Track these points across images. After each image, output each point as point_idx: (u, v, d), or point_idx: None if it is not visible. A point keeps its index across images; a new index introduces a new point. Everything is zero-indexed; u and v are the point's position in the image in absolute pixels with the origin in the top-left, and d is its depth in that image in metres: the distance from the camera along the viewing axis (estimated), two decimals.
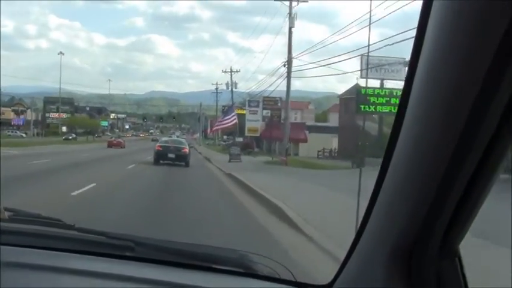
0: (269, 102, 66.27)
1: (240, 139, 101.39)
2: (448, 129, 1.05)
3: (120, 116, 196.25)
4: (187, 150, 31.24)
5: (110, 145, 63.39)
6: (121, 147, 62.41)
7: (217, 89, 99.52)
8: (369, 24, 19.90)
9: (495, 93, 0.97)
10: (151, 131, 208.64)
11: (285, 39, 40.78)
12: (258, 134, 74.31)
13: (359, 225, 1.44)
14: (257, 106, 73.62)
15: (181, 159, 29.93)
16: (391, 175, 1.24)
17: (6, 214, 1.81)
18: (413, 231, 1.20)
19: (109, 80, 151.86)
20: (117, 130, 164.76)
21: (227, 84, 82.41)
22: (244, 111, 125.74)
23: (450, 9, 1.01)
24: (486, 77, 0.96)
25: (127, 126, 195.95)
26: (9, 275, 1.52)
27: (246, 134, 74.45)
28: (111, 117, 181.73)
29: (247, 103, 73.85)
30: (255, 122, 73.30)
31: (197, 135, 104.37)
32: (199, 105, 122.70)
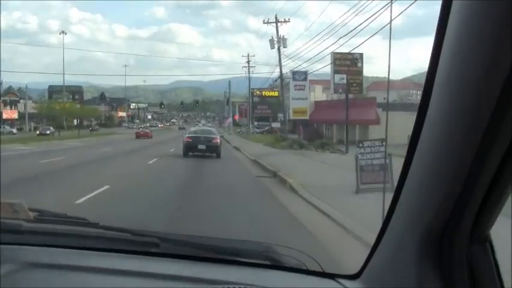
0: (344, 60, 44.23)
1: (277, 124, 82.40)
2: (476, 115, 1.01)
3: (141, 106, 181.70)
4: (218, 140, 28.28)
5: (138, 136, 63.33)
6: (149, 138, 61.86)
7: (248, 63, 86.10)
8: None
9: None
10: (172, 120, 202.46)
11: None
12: (306, 117, 54.57)
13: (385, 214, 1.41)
14: (304, 79, 53.96)
15: (213, 150, 27.24)
16: (418, 161, 1.20)
17: (32, 214, 1.77)
18: (442, 217, 1.17)
19: (125, 66, 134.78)
20: (137, 121, 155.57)
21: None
22: (276, 93, 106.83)
23: (470, 9, 0.99)
24: (510, 75, 0.94)
25: (149, 117, 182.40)
26: (37, 275, 1.52)
27: (291, 116, 54.98)
28: (131, 107, 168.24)
29: (291, 77, 53.87)
30: (302, 101, 53.55)
31: (229, 121, 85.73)
32: (225, 92, 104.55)
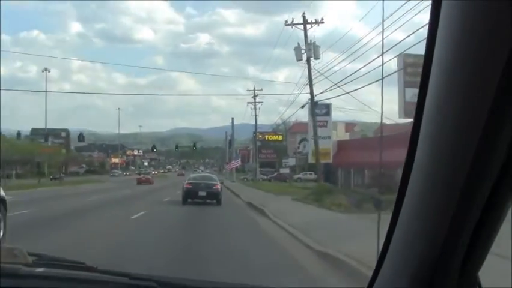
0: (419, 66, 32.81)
1: (286, 170, 70.47)
2: (461, 154, 1.01)
3: (136, 153, 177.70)
4: (219, 186, 27.47)
5: (140, 182, 63.87)
6: (150, 183, 62.39)
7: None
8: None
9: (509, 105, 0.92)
10: (168, 167, 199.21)
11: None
12: (329, 160, 43.32)
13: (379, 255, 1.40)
14: (327, 114, 43.04)
15: (213, 197, 26.47)
16: (407, 206, 1.21)
17: (30, 259, 1.78)
18: (431, 261, 1.17)
19: (118, 109, 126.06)
20: (132, 167, 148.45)
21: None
22: (280, 137, 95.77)
23: (460, 10, 0.97)
24: (501, 81, 0.91)
25: (145, 163, 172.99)
26: None
27: (311, 160, 43.74)
28: (127, 153, 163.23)
29: (309, 110, 42.83)
30: (323, 141, 42.39)
31: (234, 164, 72.16)
32: (226, 133, 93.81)
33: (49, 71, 78.50)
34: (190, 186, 26.99)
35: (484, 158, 0.98)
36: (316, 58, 37.45)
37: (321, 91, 37.38)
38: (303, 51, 37.59)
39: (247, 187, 47.34)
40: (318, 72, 36.98)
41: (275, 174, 76.96)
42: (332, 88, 34.81)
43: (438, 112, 1.05)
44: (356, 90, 33.96)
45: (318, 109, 42.53)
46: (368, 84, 31.92)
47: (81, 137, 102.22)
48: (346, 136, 56.10)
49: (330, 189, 28.35)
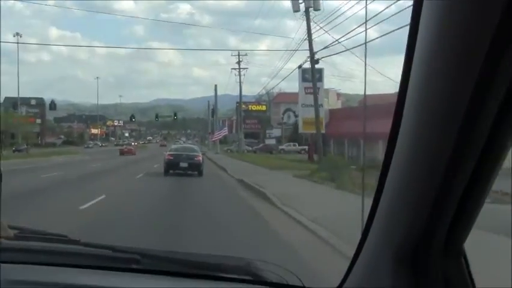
0: None
1: (272, 141, 67.30)
2: (446, 128, 1.02)
3: (117, 123, 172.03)
4: (200, 158, 26.72)
5: (122, 153, 64.66)
6: (132, 154, 63.01)
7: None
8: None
9: (491, 88, 0.94)
10: (149, 137, 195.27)
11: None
12: (322, 130, 39.98)
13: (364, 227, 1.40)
14: (319, 79, 39.52)
15: (194, 168, 25.92)
16: (392, 176, 1.21)
17: (12, 232, 1.76)
18: (416, 231, 1.18)
19: (97, 78, 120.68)
20: (112, 138, 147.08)
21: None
22: (264, 107, 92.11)
23: (441, 7, 0.98)
24: (481, 73, 0.93)
25: (126, 134, 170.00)
26: None
27: (302, 130, 40.49)
28: (107, 124, 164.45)
29: (299, 75, 39.29)
30: (313, 109, 39.02)
31: (219, 135, 66.04)
32: (208, 102, 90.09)
33: (20, 36, 73.74)
34: (172, 158, 26.35)
35: (471, 126, 0.97)
36: (316, 9, 33.43)
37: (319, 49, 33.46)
38: (300, 0, 33.60)
39: (234, 159, 43.55)
40: (318, 26, 33.15)
41: (260, 145, 73.71)
42: (333, 44, 31.10)
43: (423, 81, 1.04)
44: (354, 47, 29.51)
45: (309, 74, 39.05)
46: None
47: (52, 104, 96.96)
48: (338, 105, 52.49)
49: (337, 163, 23.30)
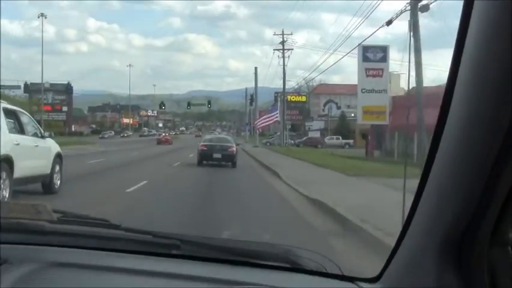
0: None
1: (316, 133, 60.21)
2: (495, 120, 1.02)
3: (150, 113, 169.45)
4: (234, 149, 25.64)
5: (160, 142, 65.20)
6: (169, 144, 63.60)
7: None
8: None
9: None
10: (181, 128, 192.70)
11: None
12: (384, 120, 32.50)
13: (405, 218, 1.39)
14: (383, 59, 32.08)
15: (228, 159, 24.91)
16: (437, 168, 1.19)
17: (55, 216, 1.76)
18: (462, 221, 1.16)
19: (129, 65, 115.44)
20: (145, 128, 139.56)
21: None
22: (304, 98, 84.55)
23: (493, 7, 0.97)
24: None
25: (160, 125, 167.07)
26: (59, 274, 1.54)
27: (361, 121, 33.20)
28: (141, 114, 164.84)
29: (359, 53, 31.81)
30: (377, 96, 31.57)
31: (274, 118, 53.74)
32: (246, 89, 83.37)
33: (45, 17, 68.05)
34: (205, 148, 25.60)
35: None
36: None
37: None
38: None
39: (280, 155, 35.36)
40: None
41: (304, 138, 66.29)
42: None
43: (472, 76, 1.03)
44: None
45: (371, 53, 31.66)
46: None
47: (69, 87, 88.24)
48: (401, 92, 43.74)
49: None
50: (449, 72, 1.09)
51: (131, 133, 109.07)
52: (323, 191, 13.08)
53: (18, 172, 10.83)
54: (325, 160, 27.93)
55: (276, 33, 60.16)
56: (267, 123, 58.63)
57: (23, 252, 1.61)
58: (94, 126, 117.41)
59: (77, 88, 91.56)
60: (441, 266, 1.20)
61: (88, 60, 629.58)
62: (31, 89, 78.48)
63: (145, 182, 15.62)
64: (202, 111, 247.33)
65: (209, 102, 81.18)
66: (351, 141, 58.55)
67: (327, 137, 65.23)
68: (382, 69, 31.94)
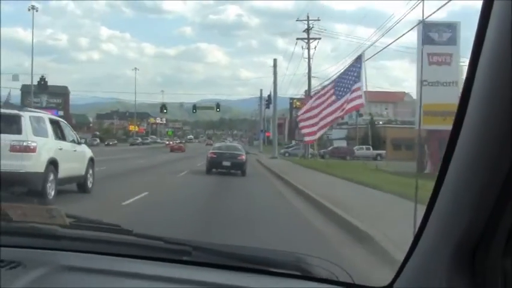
0: None
1: (342, 143, 52.24)
2: (510, 128, 1.00)
3: (159, 121, 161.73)
4: (244, 157, 25.31)
5: (172, 149, 65.38)
6: (182, 151, 63.54)
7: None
8: None
9: None
10: (189, 136, 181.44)
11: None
12: (450, 124, 23.88)
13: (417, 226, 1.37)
14: (452, 42, 23.49)
15: (237, 167, 24.60)
16: (451, 176, 1.18)
17: (68, 220, 1.82)
18: (476, 230, 1.15)
19: (135, 68, 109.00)
20: (153, 136, 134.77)
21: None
22: None
23: None
24: None
25: (169, 133, 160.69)
26: (70, 278, 1.56)
27: (422, 125, 24.85)
28: (150, 122, 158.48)
29: (419, 34, 23.09)
30: (444, 89, 22.81)
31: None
32: (261, 90, 75.18)
33: (36, 10, 60.23)
34: (215, 156, 25.12)
35: None
36: None
37: None
38: None
39: (309, 171, 27.09)
40: None
41: (330, 148, 57.49)
42: None
43: (490, 81, 1.01)
44: None
45: (435, 32, 23.04)
46: None
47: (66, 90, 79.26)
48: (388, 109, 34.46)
49: None
50: (465, 78, 1.07)
51: (116, 141, 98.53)
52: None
53: (61, 173, 12.28)
54: (373, 179, 19.34)
55: (300, 19, 50.71)
56: (334, 117, 43.98)
57: (37, 255, 1.62)
58: (97, 133, 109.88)
59: (87, 95, 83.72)
60: (454, 276, 1.19)
61: (99, 68, 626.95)
62: (23, 90, 70.47)
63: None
64: (213, 120, 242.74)
65: (218, 106, 72.10)
66: (383, 151, 49.79)
67: (356, 147, 56.67)
68: (451, 55, 23.49)
